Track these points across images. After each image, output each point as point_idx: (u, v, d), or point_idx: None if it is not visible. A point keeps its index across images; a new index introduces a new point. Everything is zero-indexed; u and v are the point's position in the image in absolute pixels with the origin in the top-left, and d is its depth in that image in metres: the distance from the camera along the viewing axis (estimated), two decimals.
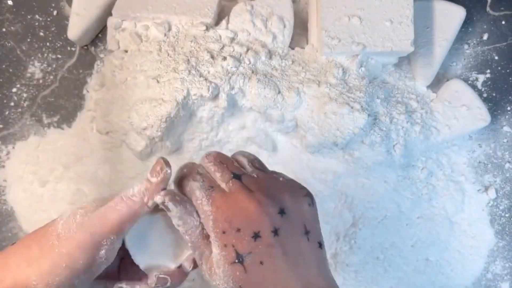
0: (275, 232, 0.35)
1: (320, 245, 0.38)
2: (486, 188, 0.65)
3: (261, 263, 0.35)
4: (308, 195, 0.39)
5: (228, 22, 0.57)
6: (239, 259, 0.35)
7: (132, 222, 0.38)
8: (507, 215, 0.65)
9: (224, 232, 0.35)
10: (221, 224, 0.35)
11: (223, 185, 0.37)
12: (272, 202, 0.36)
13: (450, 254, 0.64)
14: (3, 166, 0.61)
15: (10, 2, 0.61)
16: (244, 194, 0.36)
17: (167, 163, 0.38)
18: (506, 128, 0.65)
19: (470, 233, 0.65)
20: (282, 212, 0.36)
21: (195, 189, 0.37)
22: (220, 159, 0.39)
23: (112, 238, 0.37)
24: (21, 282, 0.36)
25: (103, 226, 0.36)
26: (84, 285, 0.38)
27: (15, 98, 0.61)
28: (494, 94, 0.65)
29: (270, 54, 0.56)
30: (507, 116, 0.65)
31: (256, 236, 0.35)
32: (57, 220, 0.38)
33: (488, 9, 0.65)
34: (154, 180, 0.37)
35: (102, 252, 0.37)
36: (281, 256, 0.35)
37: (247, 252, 0.35)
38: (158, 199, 0.37)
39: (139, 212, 0.37)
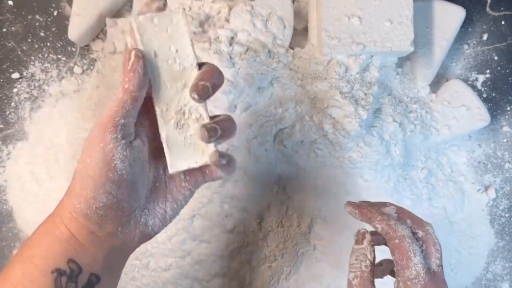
0: None
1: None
2: (486, 188, 0.65)
3: None
4: None
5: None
6: None
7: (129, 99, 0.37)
8: (507, 215, 0.65)
9: None
10: None
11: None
12: None
13: (450, 254, 0.64)
14: (3, 166, 0.61)
15: (10, 2, 0.61)
16: None
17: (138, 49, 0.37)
18: (505, 128, 0.65)
19: (470, 233, 0.65)
20: None
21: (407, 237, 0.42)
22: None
23: (114, 125, 0.36)
24: (74, 210, 0.37)
25: (106, 114, 0.37)
26: (126, 190, 0.38)
27: (16, 98, 0.61)
28: (493, 94, 0.65)
29: (270, 54, 0.56)
30: (506, 116, 0.65)
31: None
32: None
33: (487, 9, 0.65)
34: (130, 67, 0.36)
35: (119, 145, 0.36)
36: None
37: None
38: None
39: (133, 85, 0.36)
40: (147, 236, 0.41)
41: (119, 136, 0.37)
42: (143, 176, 0.40)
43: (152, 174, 0.42)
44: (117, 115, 0.37)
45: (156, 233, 0.42)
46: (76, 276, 0.37)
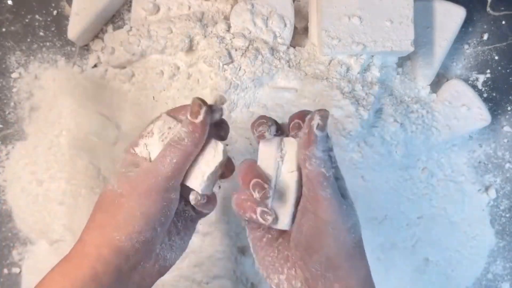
0: None
1: None
2: (487, 188, 0.65)
3: None
4: None
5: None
6: None
7: (187, 163, 0.39)
8: (507, 215, 0.65)
9: None
10: None
11: None
12: None
13: (450, 254, 0.64)
14: (3, 166, 0.61)
15: (10, 2, 0.61)
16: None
17: (204, 101, 0.39)
18: (506, 128, 0.65)
19: (471, 233, 0.65)
20: None
21: None
22: None
23: (173, 181, 0.39)
24: (106, 245, 0.37)
25: (164, 173, 0.38)
26: (164, 226, 0.40)
27: (15, 98, 0.61)
28: (494, 94, 0.65)
29: (271, 52, 0.56)
30: (507, 116, 0.65)
31: None
32: (108, 186, 0.39)
33: (488, 9, 0.65)
34: (197, 120, 0.38)
35: (171, 195, 0.39)
36: None
37: None
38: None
39: (193, 153, 0.39)
40: (164, 270, 0.42)
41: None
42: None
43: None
44: (182, 171, 0.39)
45: (172, 265, 0.43)
46: None
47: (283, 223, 0.40)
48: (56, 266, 0.39)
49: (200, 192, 0.40)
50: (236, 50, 0.55)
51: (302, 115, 0.40)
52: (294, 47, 0.58)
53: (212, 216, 0.57)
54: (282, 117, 0.57)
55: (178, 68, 0.58)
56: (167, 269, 0.42)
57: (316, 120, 0.37)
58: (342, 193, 0.40)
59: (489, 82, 0.65)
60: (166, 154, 0.38)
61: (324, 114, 0.37)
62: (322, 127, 0.37)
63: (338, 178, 0.41)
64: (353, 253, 0.39)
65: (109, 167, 0.59)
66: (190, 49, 0.56)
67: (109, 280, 0.37)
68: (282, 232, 0.41)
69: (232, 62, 0.55)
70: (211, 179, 0.40)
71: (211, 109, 0.39)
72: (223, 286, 0.57)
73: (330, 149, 0.39)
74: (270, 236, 0.42)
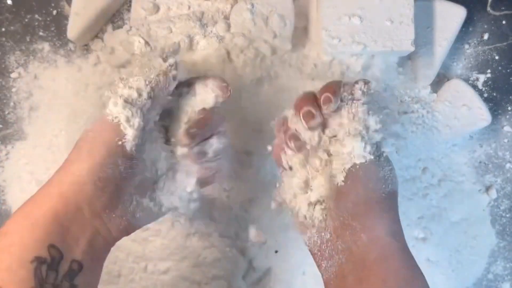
0: None
1: None
2: (487, 188, 0.65)
3: None
4: None
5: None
6: None
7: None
8: (508, 215, 0.65)
9: None
10: None
11: None
12: None
13: (451, 255, 0.64)
14: (2, 166, 0.61)
15: (9, 2, 0.61)
16: None
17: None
18: (507, 128, 0.65)
19: (471, 234, 0.64)
20: None
21: None
22: None
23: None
24: (68, 181, 0.37)
25: None
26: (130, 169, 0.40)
27: (15, 98, 0.61)
28: (494, 94, 0.65)
29: (271, 52, 0.56)
30: (507, 116, 0.65)
31: None
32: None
33: (488, 8, 0.65)
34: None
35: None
36: None
37: None
38: None
39: None
40: (131, 228, 0.41)
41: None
42: (150, 162, 0.42)
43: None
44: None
45: (139, 227, 0.42)
46: (57, 264, 0.35)
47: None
48: (20, 207, 0.37)
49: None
50: (236, 49, 0.55)
51: (332, 88, 0.43)
52: (294, 47, 0.58)
53: (212, 216, 0.57)
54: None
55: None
56: (134, 229, 0.41)
57: (360, 85, 0.42)
58: (378, 145, 0.42)
59: (490, 82, 0.65)
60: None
61: (367, 81, 0.43)
62: (365, 93, 0.42)
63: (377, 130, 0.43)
64: (382, 204, 0.39)
65: None
66: (190, 48, 0.56)
67: (70, 221, 0.36)
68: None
69: (231, 62, 0.55)
70: None
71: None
72: (222, 287, 0.57)
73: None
74: None
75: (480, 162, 0.65)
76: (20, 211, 0.37)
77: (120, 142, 0.39)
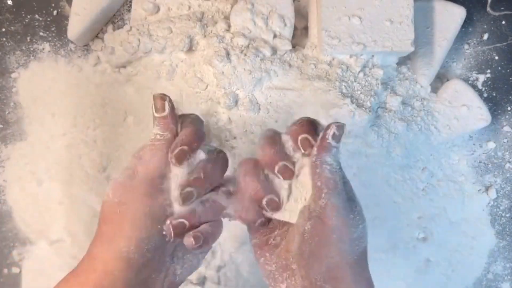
0: None
1: None
2: (487, 188, 0.65)
3: None
4: None
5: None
6: None
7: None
8: (507, 215, 0.65)
9: None
10: None
11: None
12: None
13: (450, 255, 0.64)
14: (3, 166, 0.61)
15: (10, 2, 0.61)
16: None
17: (164, 95, 0.39)
18: (506, 128, 0.65)
19: (471, 233, 0.64)
20: None
21: None
22: None
23: (159, 177, 0.38)
24: (114, 258, 0.36)
25: (147, 169, 0.38)
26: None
27: (15, 98, 0.61)
28: (494, 94, 0.65)
29: (271, 52, 0.56)
30: (507, 116, 0.65)
31: None
32: (105, 196, 0.38)
33: (488, 9, 0.65)
34: (163, 114, 0.39)
35: (164, 185, 0.38)
36: None
37: None
38: None
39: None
40: (173, 285, 0.40)
41: None
42: None
43: None
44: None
45: (182, 282, 0.41)
46: None
47: (292, 219, 0.40)
48: (62, 281, 0.37)
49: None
50: (236, 49, 0.55)
51: (308, 128, 0.40)
52: (294, 47, 0.58)
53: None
54: (281, 117, 0.57)
55: (178, 68, 0.58)
56: (176, 286, 0.41)
57: (333, 130, 0.38)
58: (349, 197, 0.39)
59: (489, 82, 0.65)
60: (145, 153, 0.38)
61: (341, 125, 0.38)
62: (338, 138, 0.38)
63: (345, 181, 0.40)
64: (355, 266, 0.38)
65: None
66: (190, 49, 0.56)
67: None
68: (283, 239, 0.41)
69: (231, 61, 0.55)
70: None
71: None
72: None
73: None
74: (272, 242, 0.41)
75: (480, 162, 0.65)
76: (64, 285, 0.37)
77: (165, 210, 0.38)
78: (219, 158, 0.41)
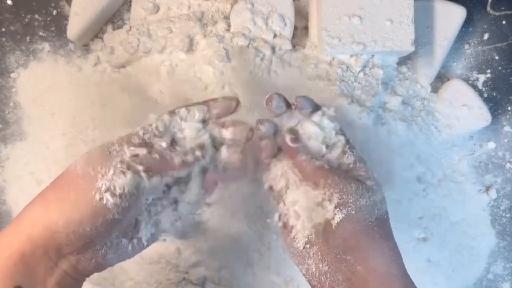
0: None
1: None
2: (487, 188, 0.65)
3: None
4: None
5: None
6: None
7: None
8: (508, 215, 0.65)
9: None
10: None
11: None
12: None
13: (451, 255, 0.64)
14: (2, 167, 0.61)
15: (9, 2, 0.61)
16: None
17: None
18: (506, 128, 0.65)
19: (471, 234, 0.64)
20: None
21: None
22: None
23: None
24: (41, 225, 0.36)
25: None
26: (114, 228, 0.38)
27: (15, 98, 0.61)
28: (494, 94, 0.65)
29: (271, 52, 0.56)
30: (507, 116, 0.65)
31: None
32: (72, 163, 0.38)
33: (488, 9, 0.65)
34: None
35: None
36: None
37: None
38: None
39: None
40: (100, 268, 0.40)
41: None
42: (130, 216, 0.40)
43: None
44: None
45: (111, 265, 0.40)
46: None
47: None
48: None
49: None
50: (235, 49, 0.55)
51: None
52: (294, 47, 0.58)
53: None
54: None
55: (178, 68, 0.58)
56: (104, 268, 0.40)
57: (288, 136, 0.42)
58: (358, 159, 0.42)
59: (490, 82, 0.65)
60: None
61: (294, 130, 0.43)
62: (296, 140, 0.42)
63: (345, 150, 0.43)
64: (371, 233, 0.39)
65: None
66: (190, 48, 0.56)
67: (37, 263, 0.35)
68: None
69: (231, 61, 0.55)
70: None
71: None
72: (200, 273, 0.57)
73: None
74: None
75: (480, 162, 0.65)
76: None
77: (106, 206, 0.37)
78: None
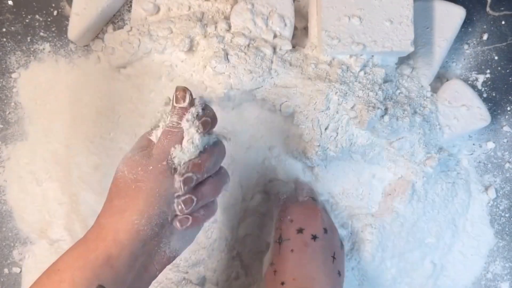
0: (314, 237, 0.49)
1: (340, 274, 0.50)
2: (486, 188, 0.65)
3: (292, 250, 0.48)
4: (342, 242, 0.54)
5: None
6: (279, 240, 0.50)
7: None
8: (507, 215, 0.65)
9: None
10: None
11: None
12: (326, 218, 0.52)
13: (452, 255, 0.64)
14: (3, 166, 0.61)
15: (10, 2, 0.61)
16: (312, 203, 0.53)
17: (186, 87, 0.42)
18: (506, 128, 0.65)
19: (471, 233, 0.65)
20: (325, 231, 0.50)
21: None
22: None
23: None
24: (125, 229, 0.39)
25: (163, 151, 0.41)
26: None
27: (15, 98, 0.61)
28: (494, 94, 0.65)
29: (271, 52, 0.56)
30: (507, 116, 0.65)
31: (300, 231, 0.49)
32: (118, 172, 0.41)
33: (488, 9, 0.65)
34: (183, 104, 0.41)
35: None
36: (309, 255, 0.48)
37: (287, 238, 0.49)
38: None
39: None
40: (172, 259, 0.43)
41: None
42: None
43: None
44: None
45: (178, 255, 0.44)
46: None
47: None
48: (70, 248, 0.40)
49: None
50: (236, 49, 0.55)
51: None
52: (294, 47, 0.58)
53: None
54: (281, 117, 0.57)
55: (178, 68, 0.58)
56: (173, 259, 0.43)
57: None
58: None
59: (489, 82, 0.65)
60: (162, 137, 0.41)
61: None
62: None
63: None
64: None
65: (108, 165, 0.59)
66: (190, 49, 0.56)
67: (122, 264, 0.39)
68: None
69: (230, 62, 0.55)
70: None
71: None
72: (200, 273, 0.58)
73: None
74: None
75: (479, 162, 0.66)
76: (73, 251, 0.40)
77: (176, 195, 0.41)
78: (217, 147, 0.44)
